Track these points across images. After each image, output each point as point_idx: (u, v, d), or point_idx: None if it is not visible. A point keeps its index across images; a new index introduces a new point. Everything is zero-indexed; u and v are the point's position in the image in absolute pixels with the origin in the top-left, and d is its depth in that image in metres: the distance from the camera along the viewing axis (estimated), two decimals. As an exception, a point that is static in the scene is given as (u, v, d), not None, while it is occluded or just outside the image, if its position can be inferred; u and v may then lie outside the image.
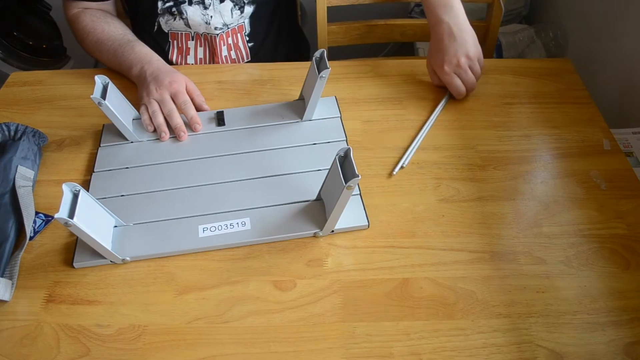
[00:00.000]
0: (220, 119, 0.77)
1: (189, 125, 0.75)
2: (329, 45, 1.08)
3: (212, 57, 0.94)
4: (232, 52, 0.94)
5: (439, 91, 0.82)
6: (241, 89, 0.84)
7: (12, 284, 0.59)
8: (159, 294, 0.59)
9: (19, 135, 0.72)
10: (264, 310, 0.57)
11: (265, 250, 0.62)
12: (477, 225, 0.64)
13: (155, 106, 0.75)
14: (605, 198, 0.66)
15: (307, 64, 0.87)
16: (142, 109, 0.76)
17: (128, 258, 0.61)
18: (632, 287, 0.58)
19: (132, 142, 0.75)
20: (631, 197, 0.66)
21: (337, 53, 1.10)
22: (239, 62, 0.96)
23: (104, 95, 0.69)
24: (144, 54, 0.80)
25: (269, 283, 0.59)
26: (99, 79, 0.70)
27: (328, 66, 0.69)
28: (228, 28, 0.90)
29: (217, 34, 0.90)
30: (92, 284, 0.60)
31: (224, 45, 0.92)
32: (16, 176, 0.67)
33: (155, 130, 0.75)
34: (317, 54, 0.72)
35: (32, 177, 0.69)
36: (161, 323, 0.57)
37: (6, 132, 0.72)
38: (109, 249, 0.59)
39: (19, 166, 0.68)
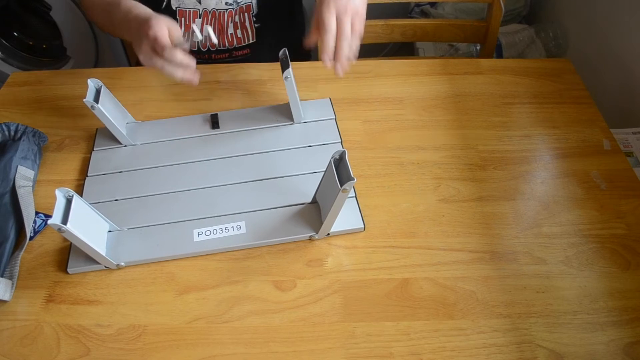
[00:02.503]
0: (214, 122, 0.77)
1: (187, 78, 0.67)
2: (329, 45, 1.08)
3: (219, 35, 0.94)
4: (239, 31, 0.94)
5: (439, 91, 0.82)
6: (241, 89, 0.84)
7: (12, 284, 0.59)
8: (159, 294, 0.59)
9: (19, 135, 0.72)
10: (264, 310, 0.57)
11: (265, 250, 0.62)
12: (477, 225, 0.64)
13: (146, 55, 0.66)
14: (605, 198, 0.66)
15: (306, 64, 0.87)
16: (142, 61, 0.67)
17: (122, 263, 0.61)
18: (632, 287, 0.58)
19: (125, 145, 0.75)
20: (631, 197, 0.66)
21: (337, 53, 1.10)
22: (244, 41, 0.96)
23: (97, 98, 0.69)
24: (130, 5, 0.72)
25: (269, 283, 0.59)
26: (92, 83, 0.70)
27: (289, 65, 0.68)
28: (238, 5, 0.91)
29: (227, 10, 0.90)
30: (92, 284, 0.60)
31: (231, 22, 0.92)
32: (16, 176, 0.67)
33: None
34: (280, 54, 0.71)
35: (32, 177, 0.69)
36: (161, 323, 0.57)
37: (6, 132, 0.72)
38: (103, 254, 0.59)
39: (19, 166, 0.68)
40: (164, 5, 0.91)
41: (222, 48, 0.95)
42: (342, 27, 0.67)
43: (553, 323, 0.55)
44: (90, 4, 0.81)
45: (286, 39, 1.03)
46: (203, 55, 0.95)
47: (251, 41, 0.96)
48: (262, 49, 0.98)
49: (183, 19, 0.93)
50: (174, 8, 0.91)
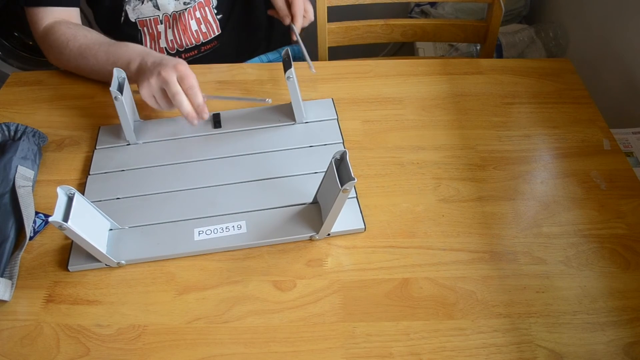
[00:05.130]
0: (216, 121, 0.77)
1: (191, 116, 0.70)
2: (329, 45, 1.08)
3: (183, 34, 0.94)
4: (202, 26, 0.94)
5: (439, 91, 0.82)
6: (241, 89, 0.84)
7: (12, 284, 0.59)
8: (159, 294, 0.59)
9: (19, 135, 0.72)
10: (264, 310, 0.57)
11: (265, 250, 0.62)
12: (477, 225, 0.64)
13: (155, 88, 0.70)
14: (605, 198, 0.66)
15: (305, 64, 0.87)
16: (146, 93, 0.71)
17: (123, 261, 0.61)
18: (632, 287, 0.58)
19: (128, 144, 0.75)
20: (631, 197, 0.66)
21: (337, 53, 1.10)
22: (209, 35, 0.96)
23: (120, 90, 0.69)
24: (140, 49, 0.77)
25: (269, 283, 0.59)
26: (117, 72, 0.70)
27: (291, 65, 0.69)
28: (196, 1, 0.91)
29: (186, 9, 0.90)
30: (92, 283, 0.60)
31: (192, 19, 0.92)
32: (16, 176, 0.67)
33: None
34: (283, 54, 0.72)
35: (32, 177, 0.69)
36: (161, 323, 0.57)
37: (6, 132, 0.72)
38: (104, 252, 0.59)
39: (19, 166, 0.68)
40: (122, 20, 0.91)
41: (189, 46, 0.95)
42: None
43: (553, 323, 0.55)
44: (79, 47, 0.80)
45: (252, 25, 1.02)
46: (171, 56, 0.95)
47: (217, 33, 0.96)
48: (228, 39, 0.97)
49: (146, 28, 0.93)
50: (133, 20, 0.91)
